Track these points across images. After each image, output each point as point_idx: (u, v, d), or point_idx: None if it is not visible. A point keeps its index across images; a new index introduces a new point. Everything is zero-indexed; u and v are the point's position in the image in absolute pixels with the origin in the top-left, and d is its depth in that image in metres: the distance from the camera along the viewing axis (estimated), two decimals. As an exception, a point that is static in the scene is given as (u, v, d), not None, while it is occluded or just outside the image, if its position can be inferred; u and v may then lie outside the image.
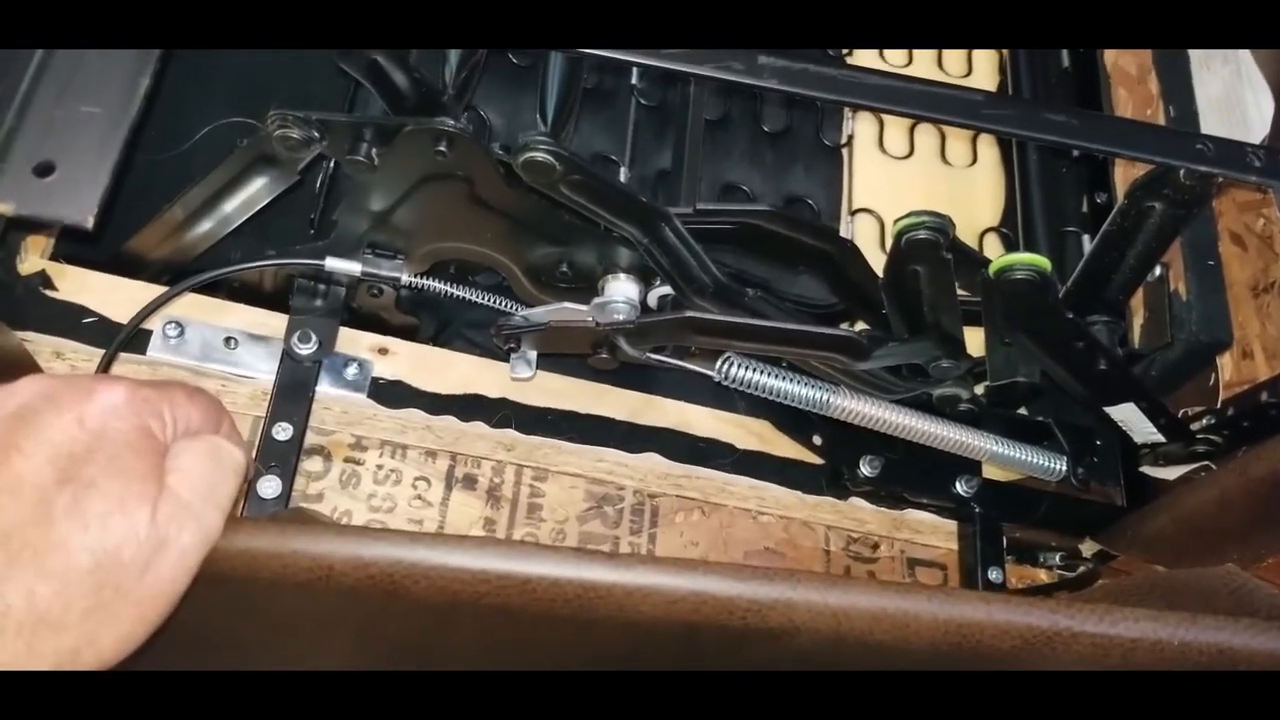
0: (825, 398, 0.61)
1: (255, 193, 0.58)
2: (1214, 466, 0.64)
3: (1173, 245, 0.65)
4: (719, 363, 0.60)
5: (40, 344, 0.61)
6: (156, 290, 0.62)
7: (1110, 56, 0.81)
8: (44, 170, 0.40)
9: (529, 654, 0.46)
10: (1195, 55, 0.74)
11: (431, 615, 0.41)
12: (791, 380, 0.61)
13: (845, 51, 0.88)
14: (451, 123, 0.51)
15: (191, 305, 0.64)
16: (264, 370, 0.63)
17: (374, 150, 0.52)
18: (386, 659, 0.47)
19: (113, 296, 0.62)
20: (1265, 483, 0.57)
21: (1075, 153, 0.78)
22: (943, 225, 0.52)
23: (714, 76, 0.47)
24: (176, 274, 0.65)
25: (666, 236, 0.55)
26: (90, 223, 0.40)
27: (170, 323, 0.63)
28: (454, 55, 0.59)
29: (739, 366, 0.60)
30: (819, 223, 0.67)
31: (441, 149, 0.52)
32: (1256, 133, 0.68)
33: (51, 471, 0.36)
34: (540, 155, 0.50)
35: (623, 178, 0.75)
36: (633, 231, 0.55)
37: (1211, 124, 0.72)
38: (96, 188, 0.40)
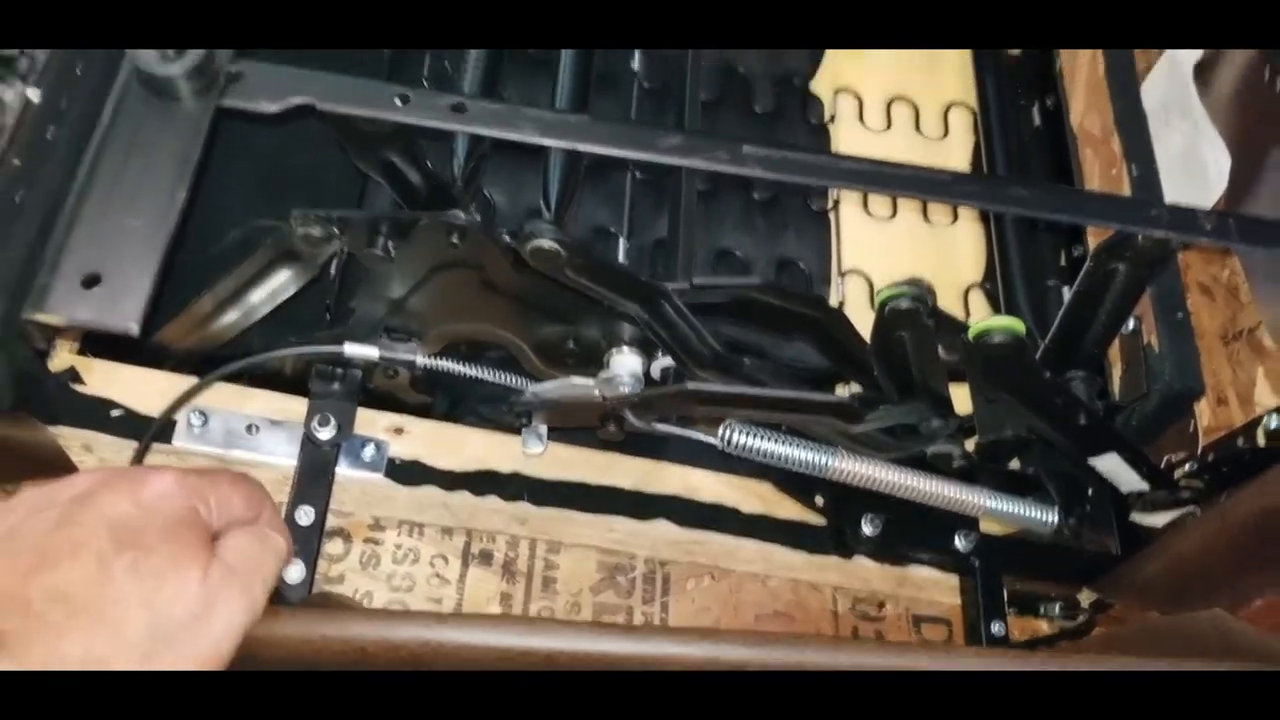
0: (824, 461, 0.64)
1: (280, 285, 0.61)
2: (1199, 511, 0.67)
3: (1144, 299, 0.69)
4: (721, 429, 0.63)
5: (70, 438, 0.64)
6: (181, 381, 0.65)
7: (1076, 118, 0.86)
8: (91, 282, 0.43)
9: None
10: (1154, 113, 0.79)
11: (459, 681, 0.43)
12: (792, 445, 0.64)
13: (828, 118, 0.92)
14: (463, 216, 0.54)
15: (213, 393, 0.66)
16: (285, 455, 0.66)
17: (390, 243, 0.56)
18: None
19: (140, 389, 0.65)
20: (1245, 526, 0.59)
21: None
22: (922, 294, 0.56)
23: (704, 167, 0.51)
24: (199, 363, 0.68)
25: (666, 311, 0.59)
26: (136, 330, 0.44)
27: (194, 412, 0.66)
28: (461, 146, 0.63)
29: (741, 433, 0.63)
30: (808, 292, 0.71)
31: (454, 240, 0.55)
32: (1215, 187, 0.71)
33: (110, 540, 0.40)
34: (546, 243, 0.53)
35: (622, 248, 0.79)
36: (634, 308, 0.59)
37: (1175, 179, 0.76)
38: (141, 296, 0.43)
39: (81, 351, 0.66)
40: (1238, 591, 0.65)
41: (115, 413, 0.64)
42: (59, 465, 0.63)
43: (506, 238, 0.56)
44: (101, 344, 0.66)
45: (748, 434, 0.63)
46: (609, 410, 0.63)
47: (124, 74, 0.48)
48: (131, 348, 0.67)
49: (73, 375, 0.65)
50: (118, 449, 0.65)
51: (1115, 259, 0.57)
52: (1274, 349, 0.64)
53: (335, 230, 0.56)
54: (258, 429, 0.66)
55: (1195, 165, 0.73)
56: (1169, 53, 0.77)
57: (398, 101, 0.49)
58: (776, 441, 0.64)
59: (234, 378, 0.67)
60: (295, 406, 0.67)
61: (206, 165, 0.47)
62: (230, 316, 0.64)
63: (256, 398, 0.68)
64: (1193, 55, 0.74)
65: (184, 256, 0.70)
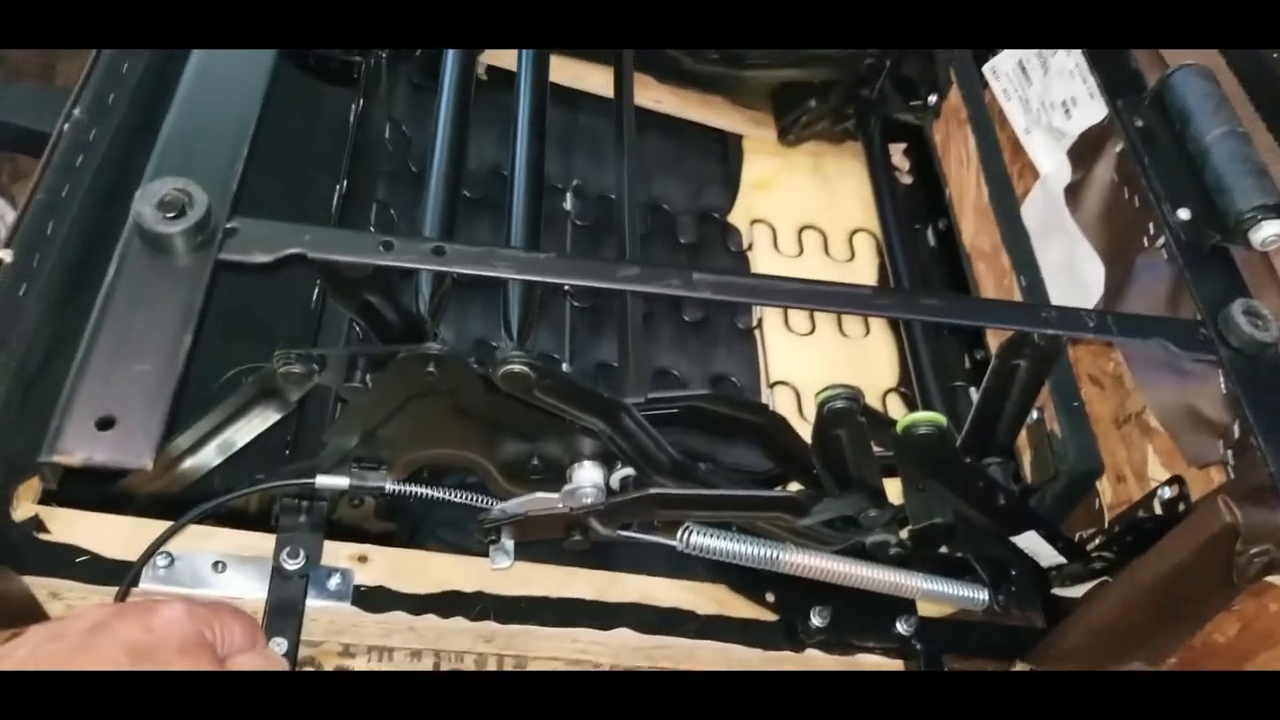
0: (776, 554, 0.69)
1: (256, 421, 0.64)
2: (1110, 580, 0.73)
3: (1044, 392, 0.77)
4: (680, 532, 0.68)
5: (36, 586, 0.64)
6: (146, 524, 0.66)
7: (967, 236, 0.96)
8: (105, 424, 0.46)
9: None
10: (1035, 231, 0.89)
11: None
12: (745, 542, 0.69)
13: (746, 246, 1.01)
14: (439, 346, 0.59)
15: (179, 535, 0.66)
16: (253, 590, 0.67)
17: (368, 376, 0.60)
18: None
19: (104, 534, 0.66)
20: (1151, 589, 0.66)
21: (950, 324, 0.91)
22: (855, 394, 0.62)
23: (662, 293, 0.57)
24: (163, 506, 0.69)
25: (626, 424, 0.64)
26: (150, 465, 0.46)
27: (159, 554, 0.66)
28: (427, 284, 0.68)
29: (699, 534, 0.68)
30: (752, 400, 0.77)
31: (430, 369, 0.60)
32: (1093, 293, 0.81)
33: (127, 659, 0.42)
34: (518, 367, 0.58)
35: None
36: (597, 423, 0.63)
37: (1058, 287, 0.85)
38: (153, 434, 0.46)
39: (44, 501, 0.67)
40: (1152, 649, 0.71)
41: (80, 559, 0.65)
42: (31, 613, 0.63)
43: (477, 365, 0.61)
44: (64, 494, 0.67)
45: (705, 534, 0.68)
46: (574, 521, 0.67)
47: (126, 230, 0.51)
48: (95, 495, 0.68)
49: (36, 524, 0.65)
50: (84, 594, 0.65)
51: (1016, 356, 0.65)
52: (1159, 429, 0.73)
53: (316, 367, 0.59)
54: (224, 566, 0.68)
55: (1074, 274, 0.83)
56: (1043, 177, 0.88)
57: (382, 248, 0.54)
58: (732, 540, 0.69)
59: (199, 518, 0.69)
60: (259, 542, 0.69)
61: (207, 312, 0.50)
62: (204, 455, 0.66)
63: (220, 536, 0.69)
64: (1063, 179, 0.85)
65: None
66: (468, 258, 0.55)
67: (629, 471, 0.67)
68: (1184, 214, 0.71)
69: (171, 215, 0.51)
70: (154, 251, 0.51)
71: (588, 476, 0.66)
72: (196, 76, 0.57)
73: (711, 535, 0.68)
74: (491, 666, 0.73)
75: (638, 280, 0.56)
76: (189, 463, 0.67)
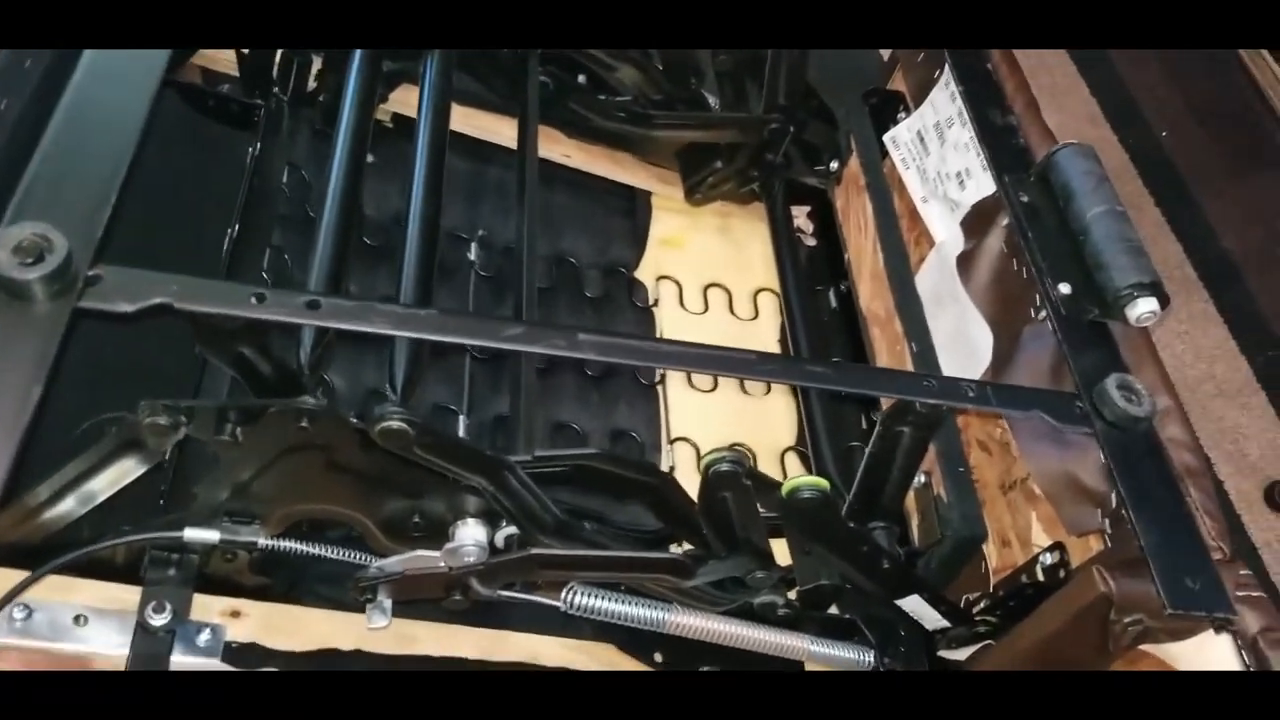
0: (662, 616, 0.68)
1: (121, 473, 0.62)
2: (994, 643, 0.74)
3: (932, 456, 0.78)
4: (564, 592, 0.67)
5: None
6: (5, 574, 0.63)
7: (864, 300, 0.98)
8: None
9: None
10: (927, 298, 0.91)
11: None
12: (631, 603, 0.68)
13: (652, 301, 1.01)
14: (312, 401, 0.57)
15: (39, 585, 0.64)
16: (116, 645, 0.64)
17: (238, 429, 0.58)
18: None
19: (-41, 585, 0.63)
20: (1030, 653, 0.67)
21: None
22: (740, 458, 0.62)
23: (544, 353, 0.57)
24: (21, 556, 0.66)
25: (510, 483, 0.63)
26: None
27: (16, 605, 0.63)
28: (308, 336, 0.67)
29: (583, 595, 0.67)
30: (642, 460, 0.76)
31: (303, 424, 0.58)
32: (982, 360, 0.83)
33: None
34: (395, 424, 0.57)
35: (463, 425, 0.83)
36: (480, 481, 0.62)
37: (949, 353, 0.87)
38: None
39: (-113, 552, 0.63)
40: (1031, 716, 0.72)
41: (-72, 611, 0.61)
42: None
43: (355, 420, 0.60)
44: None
45: (590, 595, 0.67)
46: (454, 580, 0.65)
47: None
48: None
49: (-112, 578, 0.62)
50: (-69, 649, 0.61)
51: (899, 423, 0.66)
52: (1042, 496, 0.75)
53: (182, 419, 0.57)
54: (86, 619, 0.65)
55: (965, 342, 0.85)
56: (937, 244, 0.90)
57: (254, 300, 0.52)
58: (617, 601, 0.68)
59: (60, 568, 0.66)
60: (126, 595, 0.66)
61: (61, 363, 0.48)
62: (65, 505, 0.64)
63: (84, 588, 0.66)
64: (956, 248, 0.87)
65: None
66: (343, 312, 0.53)
67: (514, 530, 0.66)
68: (1065, 288, 0.73)
69: (29, 261, 0.49)
70: (9, 297, 0.49)
71: (470, 534, 0.65)
72: (68, 114, 0.56)
73: (596, 596, 0.68)
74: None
75: (522, 340, 0.56)
76: (50, 513, 0.64)
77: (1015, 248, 0.78)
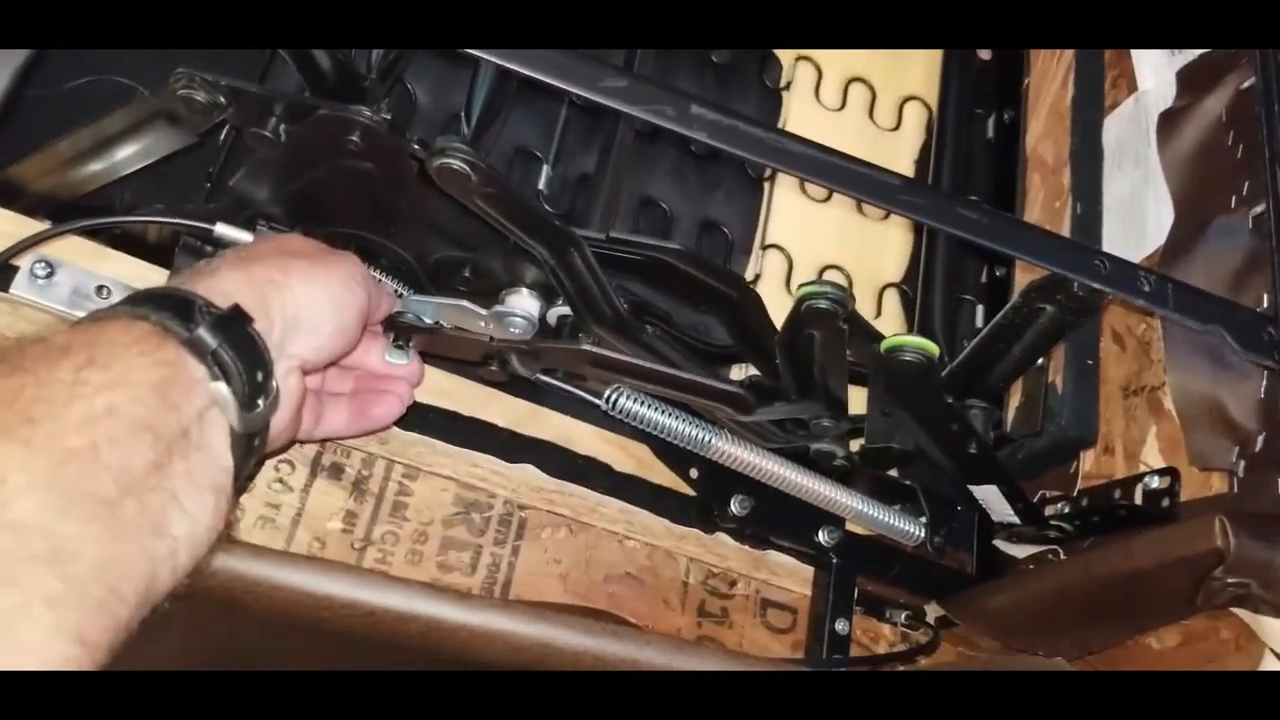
0: (707, 438, 0.62)
1: (150, 145, 0.55)
2: (1061, 553, 0.67)
3: (1055, 337, 0.68)
4: (608, 392, 0.60)
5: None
6: (29, 223, 0.59)
7: (1031, 140, 0.84)
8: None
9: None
10: (1110, 153, 0.77)
11: (268, 630, 0.40)
12: (677, 418, 0.61)
13: (784, 84, 0.88)
14: (368, 113, 0.49)
15: (66, 246, 0.60)
16: (132, 323, 0.60)
17: (282, 126, 0.50)
18: (212, 659, 0.45)
19: (-15, 226, 0.58)
20: (1104, 582, 0.60)
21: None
22: (843, 298, 0.53)
23: (645, 118, 0.46)
24: (57, 209, 0.61)
25: (574, 262, 0.54)
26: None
27: (40, 261, 0.59)
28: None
29: (628, 398, 0.60)
30: (725, 268, 0.67)
31: (353, 138, 0.50)
32: (1152, 240, 0.70)
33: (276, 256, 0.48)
34: (456, 163, 0.48)
35: (544, 176, 0.74)
36: (541, 251, 0.54)
37: (1112, 223, 0.74)
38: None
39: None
40: (1080, 639, 0.66)
41: (-56, 248, 0.57)
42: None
43: (415, 146, 0.51)
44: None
45: (634, 400, 0.60)
46: (494, 350, 0.59)
47: None
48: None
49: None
50: (-53, 287, 0.58)
51: (1045, 300, 0.55)
52: (1171, 413, 0.64)
53: (223, 99, 0.49)
54: (110, 292, 0.60)
55: (1136, 214, 0.71)
56: (1139, 92, 0.75)
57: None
58: (662, 412, 0.61)
59: (92, 234, 0.61)
60: (155, 276, 0.61)
61: None
62: (93, 166, 0.57)
63: (113, 259, 0.61)
64: (1161, 101, 0.72)
65: (42, 92, 0.63)
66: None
67: (568, 311, 0.58)
68: (1293, 184, 0.59)
69: None
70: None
71: (521, 305, 0.58)
72: None
73: (642, 403, 0.61)
74: (380, 469, 0.67)
75: (623, 96, 0.46)
76: (80, 172, 0.58)
77: (1244, 118, 0.63)
